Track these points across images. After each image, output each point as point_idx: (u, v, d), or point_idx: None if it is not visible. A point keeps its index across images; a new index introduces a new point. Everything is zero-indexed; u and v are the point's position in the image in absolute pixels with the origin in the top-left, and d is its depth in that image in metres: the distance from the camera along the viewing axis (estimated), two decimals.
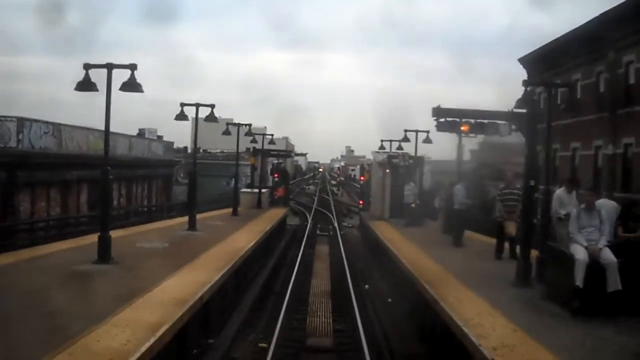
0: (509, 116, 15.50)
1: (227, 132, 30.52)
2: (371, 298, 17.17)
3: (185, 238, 19.01)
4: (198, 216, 26.54)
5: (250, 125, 33.04)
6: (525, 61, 37.54)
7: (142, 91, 13.55)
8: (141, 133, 53.75)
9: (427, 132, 26.51)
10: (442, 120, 17.39)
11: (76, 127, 34.49)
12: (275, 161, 43.68)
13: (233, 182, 58.51)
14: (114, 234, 13.78)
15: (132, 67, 13.14)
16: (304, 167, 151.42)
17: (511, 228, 15.08)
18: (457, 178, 20.08)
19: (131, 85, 13.24)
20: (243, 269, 16.23)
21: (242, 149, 36.73)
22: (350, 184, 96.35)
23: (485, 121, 17.16)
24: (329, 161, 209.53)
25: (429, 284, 12.19)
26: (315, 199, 64.95)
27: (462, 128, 17.39)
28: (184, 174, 60.23)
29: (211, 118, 21.26)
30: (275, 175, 39.71)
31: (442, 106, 17.46)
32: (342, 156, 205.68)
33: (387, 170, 27.68)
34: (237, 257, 15.08)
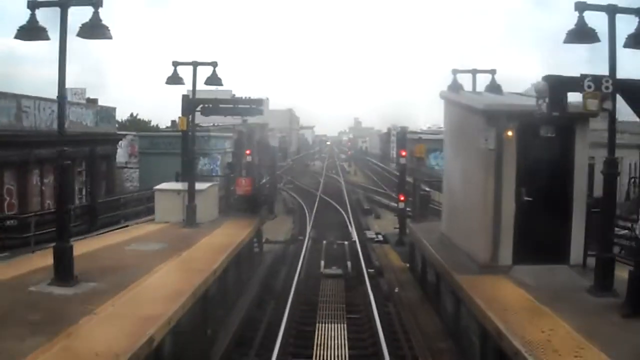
0: None
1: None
2: None
3: None
4: None
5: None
6: None
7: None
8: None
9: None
10: None
11: None
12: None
13: (202, 161, 40.83)
14: None
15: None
16: (310, 140, 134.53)
17: None
18: None
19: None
20: None
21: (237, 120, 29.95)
22: (363, 159, 78.07)
23: None
24: (336, 134, 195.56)
25: None
26: (322, 180, 46.65)
27: None
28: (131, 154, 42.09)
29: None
30: (248, 153, 21.27)
31: None
32: (349, 128, 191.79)
33: (510, 133, 9.35)
34: None
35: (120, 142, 41.87)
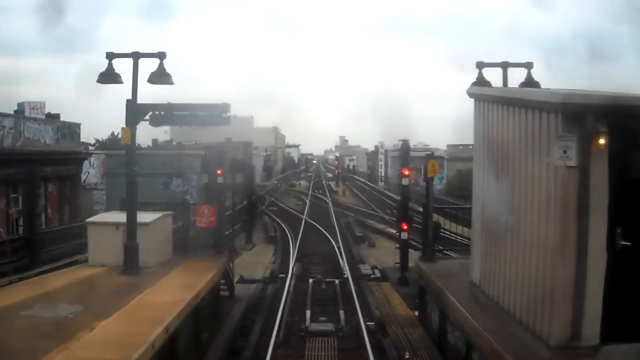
0: None
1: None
2: None
3: None
4: None
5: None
6: None
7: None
8: (20, 110, 31.35)
9: None
10: None
11: None
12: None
13: (175, 182, 37.17)
14: None
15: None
16: (296, 159, 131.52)
17: None
18: None
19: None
20: None
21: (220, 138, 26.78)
22: (351, 177, 74.73)
23: None
24: (322, 152, 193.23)
25: None
26: (307, 201, 43.01)
27: None
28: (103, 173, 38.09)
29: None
30: (219, 173, 17.64)
31: None
32: (336, 147, 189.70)
33: (602, 142, 5.83)
34: None
35: (92, 162, 38.02)
